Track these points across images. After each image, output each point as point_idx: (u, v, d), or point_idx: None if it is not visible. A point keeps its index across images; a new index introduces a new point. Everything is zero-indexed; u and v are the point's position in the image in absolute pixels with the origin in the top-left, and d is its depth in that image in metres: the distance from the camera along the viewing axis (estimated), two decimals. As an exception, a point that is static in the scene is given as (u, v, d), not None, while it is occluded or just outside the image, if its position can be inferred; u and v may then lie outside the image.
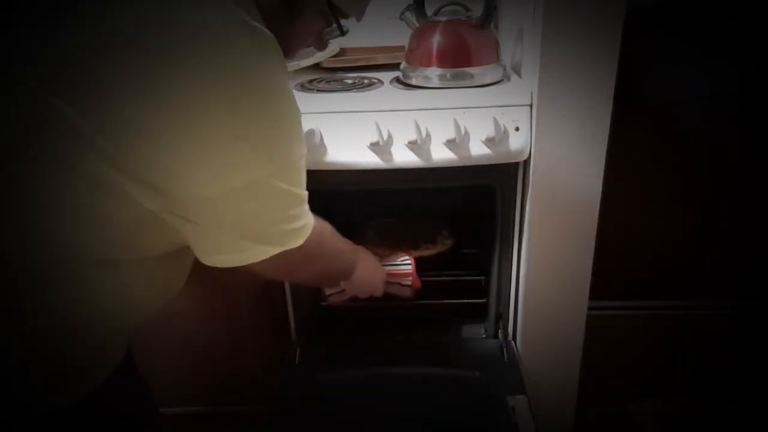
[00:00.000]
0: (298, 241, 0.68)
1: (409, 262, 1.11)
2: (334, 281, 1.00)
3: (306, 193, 0.69)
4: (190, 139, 0.53)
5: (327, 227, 0.84)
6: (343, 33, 0.79)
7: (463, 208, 1.47)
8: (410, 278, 1.10)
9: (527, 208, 1.11)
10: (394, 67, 1.23)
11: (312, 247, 0.73)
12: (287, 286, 1.23)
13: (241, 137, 0.55)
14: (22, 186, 0.53)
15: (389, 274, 1.08)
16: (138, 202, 0.55)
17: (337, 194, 1.35)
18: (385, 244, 1.36)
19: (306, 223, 0.70)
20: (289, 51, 0.72)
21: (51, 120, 0.51)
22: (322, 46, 0.83)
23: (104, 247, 0.59)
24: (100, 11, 0.52)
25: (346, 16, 0.79)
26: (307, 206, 0.70)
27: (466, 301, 1.29)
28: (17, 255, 0.56)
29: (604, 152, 1.04)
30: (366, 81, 1.19)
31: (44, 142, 0.52)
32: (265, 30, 0.58)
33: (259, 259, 0.65)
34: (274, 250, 0.66)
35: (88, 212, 0.55)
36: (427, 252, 1.35)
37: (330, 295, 1.05)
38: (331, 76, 1.26)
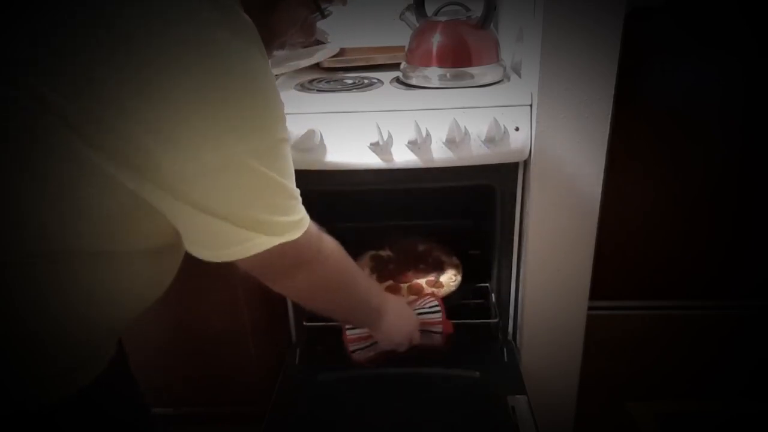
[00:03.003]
0: (293, 234, 0.65)
1: (438, 307, 1.02)
2: (360, 319, 0.91)
3: (295, 188, 0.68)
4: (164, 115, 0.53)
5: (344, 252, 0.80)
6: (324, 16, 0.77)
7: (463, 208, 1.47)
8: (440, 326, 1.01)
9: (527, 208, 1.11)
10: (394, 67, 1.23)
11: (328, 267, 0.73)
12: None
13: (214, 112, 0.54)
14: (2, 174, 0.53)
15: (420, 323, 0.98)
16: (121, 185, 0.55)
17: (337, 194, 1.36)
18: (389, 280, 1.28)
19: (301, 218, 0.67)
20: (274, 39, 0.72)
21: (29, 102, 0.50)
22: (310, 34, 0.80)
23: (90, 238, 0.59)
24: None
25: (330, 1, 0.77)
26: (299, 203, 0.68)
27: (466, 301, 1.29)
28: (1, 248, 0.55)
29: (604, 152, 1.04)
30: (366, 81, 1.19)
31: (23, 125, 0.51)
32: (242, 13, 0.57)
33: (250, 253, 0.63)
34: (265, 241, 0.63)
35: (72, 199, 0.55)
36: (449, 286, 1.24)
37: (354, 351, 0.97)
38: (331, 76, 1.26)
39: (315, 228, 0.72)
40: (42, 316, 0.60)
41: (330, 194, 1.34)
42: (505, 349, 1.20)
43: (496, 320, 1.21)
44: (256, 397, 1.19)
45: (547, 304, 1.18)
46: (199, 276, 1.11)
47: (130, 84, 0.51)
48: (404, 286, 1.24)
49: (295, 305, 1.26)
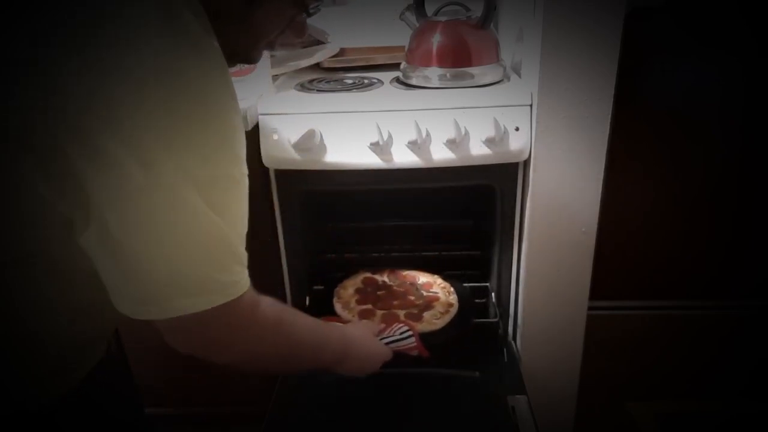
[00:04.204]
0: (222, 297, 0.56)
1: (409, 332, 0.99)
2: (318, 367, 0.84)
3: (241, 242, 0.59)
4: (106, 131, 0.48)
5: (290, 310, 0.73)
6: (309, 14, 0.73)
7: (463, 208, 1.47)
8: (415, 350, 0.98)
9: (527, 208, 1.11)
10: (394, 67, 1.23)
11: (267, 336, 0.65)
12: (287, 285, 1.23)
13: (149, 120, 0.48)
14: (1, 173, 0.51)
15: (394, 350, 0.96)
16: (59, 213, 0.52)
17: (337, 194, 1.36)
18: (368, 304, 1.21)
19: (238, 281, 0.58)
20: (260, 39, 0.68)
21: None
22: (301, 32, 0.74)
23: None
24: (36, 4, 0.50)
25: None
26: (240, 262, 0.59)
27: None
28: None
29: (604, 152, 1.04)
30: (366, 81, 1.19)
31: None
32: (202, 33, 0.53)
33: (167, 315, 0.54)
34: (186, 304, 0.54)
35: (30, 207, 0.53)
36: (430, 323, 1.14)
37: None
38: (331, 76, 1.26)
39: (252, 291, 0.62)
40: (42, 315, 0.60)
41: (330, 194, 1.35)
42: (505, 349, 1.20)
43: (496, 320, 1.21)
44: (256, 397, 1.19)
45: (547, 304, 1.18)
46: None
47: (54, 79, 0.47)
48: (378, 312, 1.17)
49: (296, 305, 1.26)
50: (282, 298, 1.24)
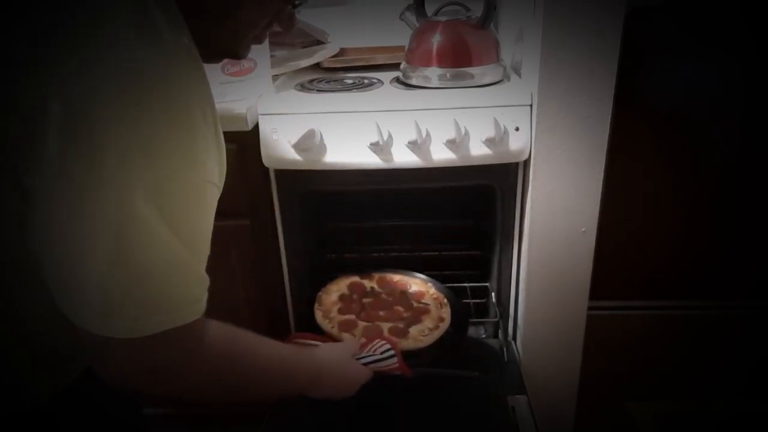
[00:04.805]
0: (170, 321, 0.51)
1: (391, 351, 0.92)
2: (286, 394, 0.79)
3: (199, 260, 0.55)
4: (65, 136, 0.46)
5: (251, 338, 0.68)
6: (295, 6, 0.70)
7: (463, 208, 1.47)
8: (398, 371, 0.92)
9: (527, 208, 1.11)
10: (394, 67, 1.23)
11: (212, 364, 0.59)
12: (287, 285, 1.23)
13: (104, 122, 0.46)
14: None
15: (374, 371, 0.90)
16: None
17: (337, 194, 1.36)
18: (351, 314, 1.13)
19: (193, 305, 0.54)
20: (247, 32, 0.66)
21: None
22: (289, 25, 0.71)
23: None
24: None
25: None
26: (198, 282, 0.55)
27: (466, 301, 1.29)
28: None
29: (604, 152, 1.04)
30: (366, 81, 1.19)
31: None
32: (175, 35, 0.52)
33: (102, 333, 0.50)
34: (126, 325, 0.50)
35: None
36: (417, 341, 1.05)
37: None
38: (331, 76, 1.26)
39: (203, 319, 0.57)
40: (41, 315, 0.59)
41: (330, 194, 1.35)
42: (505, 349, 1.20)
43: (496, 320, 1.21)
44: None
45: (547, 304, 1.17)
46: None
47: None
48: (360, 325, 1.09)
49: (297, 304, 1.26)
50: (282, 298, 1.24)
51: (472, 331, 1.33)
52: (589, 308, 1.18)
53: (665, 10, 1.51)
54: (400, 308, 1.15)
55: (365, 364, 0.90)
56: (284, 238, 1.18)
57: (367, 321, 1.10)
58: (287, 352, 0.77)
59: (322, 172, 1.07)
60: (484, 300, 1.29)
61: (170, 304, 0.52)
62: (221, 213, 1.18)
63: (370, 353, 0.91)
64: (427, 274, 1.27)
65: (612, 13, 0.94)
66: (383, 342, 0.93)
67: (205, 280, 0.56)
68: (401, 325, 1.09)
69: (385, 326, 1.09)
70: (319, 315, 1.12)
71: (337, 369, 0.85)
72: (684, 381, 1.61)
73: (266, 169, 1.11)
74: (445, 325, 1.09)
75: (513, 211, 1.15)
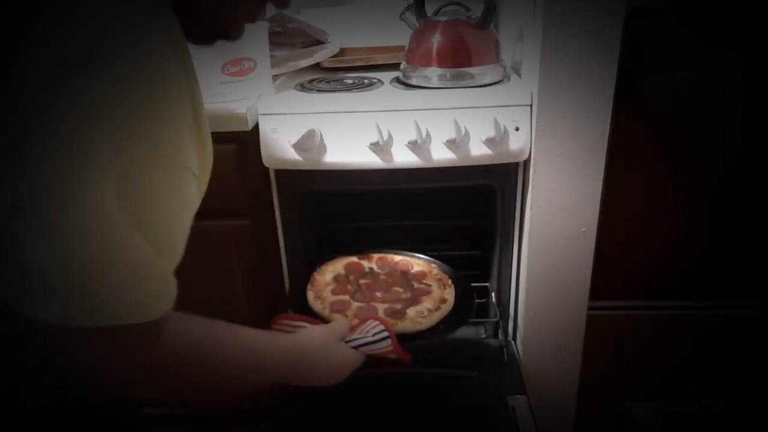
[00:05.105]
0: (128, 316, 0.48)
1: (384, 333, 0.85)
2: (260, 383, 0.73)
3: (168, 260, 0.52)
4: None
5: (220, 326, 0.64)
6: None
7: (463, 208, 1.47)
8: (393, 354, 0.85)
9: (527, 208, 1.11)
10: (394, 67, 1.23)
11: (176, 349, 0.56)
12: (287, 285, 1.23)
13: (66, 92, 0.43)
14: None
15: (366, 355, 0.84)
16: None
17: (337, 194, 1.36)
18: (346, 294, 1.06)
19: (153, 308, 0.50)
20: (238, 9, 0.62)
21: None
22: (284, 4, 0.68)
23: None
24: None
25: None
26: (164, 282, 0.52)
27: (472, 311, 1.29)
28: None
29: (604, 152, 1.04)
30: (366, 81, 1.19)
31: None
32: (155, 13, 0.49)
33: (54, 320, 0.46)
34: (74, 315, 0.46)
35: None
36: (415, 322, 0.97)
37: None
38: (331, 76, 1.26)
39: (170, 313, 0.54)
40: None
41: (330, 194, 1.35)
42: (505, 349, 1.19)
43: (496, 320, 1.21)
44: (256, 397, 1.19)
45: (547, 304, 1.17)
46: (198, 274, 1.11)
47: None
48: (354, 305, 1.03)
49: (295, 305, 1.25)
50: (282, 297, 1.24)
51: (472, 331, 1.33)
52: (589, 308, 1.18)
53: (665, 10, 1.51)
54: (399, 289, 1.08)
55: (356, 347, 0.83)
56: (284, 238, 1.18)
57: (363, 302, 1.03)
58: (262, 340, 0.72)
59: (322, 172, 1.07)
60: (484, 300, 1.29)
61: (129, 301, 0.49)
62: (221, 213, 1.19)
63: (362, 335, 0.84)
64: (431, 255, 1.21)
65: (612, 13, 0.94)
66: (376, 323, 0.86)
67: (171, 280, 0.53)
68: (398, 307, 1.01)
69: (381, 307, 1.02)
70: (311, 296, 1.06)
71: (321, 353, 0.79)
72: (684, 381, 1.61)
73: (266, 169, 1.11)
74: (447, 307, 1.03)
75: (513, 211, 1.15)
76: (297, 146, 1.04)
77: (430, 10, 1.19)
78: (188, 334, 0.60)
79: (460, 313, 1.03)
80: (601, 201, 1.08)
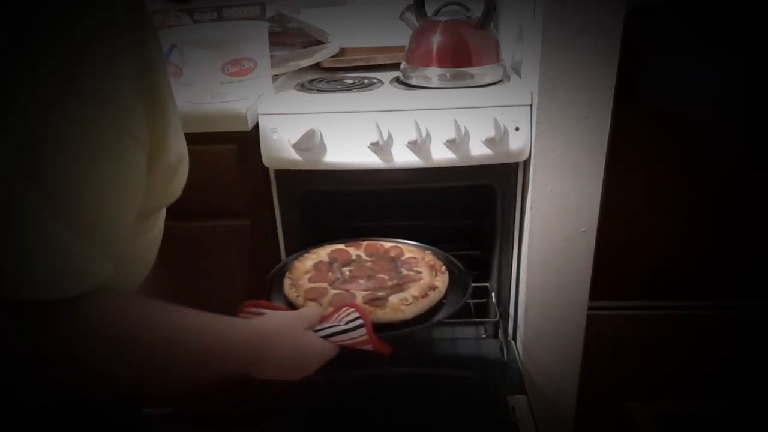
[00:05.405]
0: (30, 291, 0.43)
1: (359, 320, 0.76)
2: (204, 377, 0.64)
3: (88, 238, 0.47)
4: None
5: (166, 311, 0.57)
6: None
7: (463, 208, 1.47)
8: (369, 345, 0.76)
9: (527, 208, 1.11)
10: (394, 67, 1.23)
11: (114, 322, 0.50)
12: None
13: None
14: None
15: (338, 345, 0.76)
16: None
17: (337, 194, 1.36)
18: (324, 282, 0.96)
19: (68, 273, 0.45)
20: None
21: None
22: None
23: None
24: None
25: None
26: (73, 242, 0.46)
27: (466, 301, 1.29)
28: None
29: (604, 152, 1.04)
30: (366, 81, 1.19)
31: None
32: None
33: None
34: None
35: None
36: (397, 311, 0.86)
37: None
38: (331, 76, 1.26)
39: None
40: None
41: (330, 194, 1.35)
42: (505, 349, 1.20)
43: (496, 319, 1.21)
44: (256, 397, 1.19)
45: (547, 304, 1.17)
46: (198, 274, 1.11)
47: None
48: (331, 292, 0.92)
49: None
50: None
51: (472, 331, 1.33)
52: (589, 308, 1.18)
53: (665, 10, 1.51)
54: (385, 276, 0.97)
55: (326, 337, 0.75)
56: (284, 238, 1.18)
57: (342, 290, 0.93)
58: (216, 325, 0.64)
59: (322, 172, 1.07)
60: (484, 300, 1.29)
61: (28, 275, 0.44)
62: (221, 213, 1.19)
63: (334, 324, 0.76)
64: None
65: (612, 13, 0.94)
66: (351, 310, 0.77)
67: (89, 258, 0.47)
68: (382, 293, 0.90)
69: (360, 294, 0.90)
70: (287, 284, 0.96)
71: (284, 342, 0.71)
72: (684, 381, 1.61)
73: (266, 169, 1.11)
74: (436, 295, 0.91)
75: (513, 211, 1.15)
76: (297, 146, 1.04)
77: (430, 10, 1.19)
78: (124, 316, 0.53)
79: (452, 302, 0.92)
80: (601, 201, 1.08)
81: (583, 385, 1.26)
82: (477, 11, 1.13)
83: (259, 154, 1.06)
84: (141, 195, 0.54)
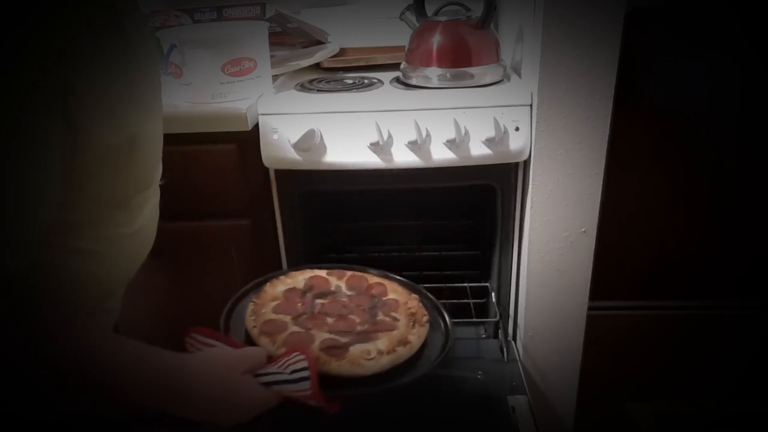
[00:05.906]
0: None
1: (305, 372, 0.67)
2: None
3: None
4: None
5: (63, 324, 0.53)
6: None
7: (463, 208, 1.47)
8: (312, 401, 0.68)
9: (527, 208, 1.11)
10: (394, 67, 1.23)
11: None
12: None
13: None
14: None
15: (281, 394, 0.68)
16: None
17: (337, 194, 1.36)
18: (292, 315, 0.84)
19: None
20: None
21: None
22: None
23: None
24: None
25: None
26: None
27: (466, 301, 1.29)
28: None
29: (604, 152, 1.04)
30: (366, 81, 1.19)
31: None
32: None
33: None
34: None
35: None
36: (357, 365, 0.74)
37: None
38: (331, 76, 1.26)
39: None
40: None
41: (330, 194, 1.35)
42: (505, 349, 1.20)
43: (496, 319, 1.21)
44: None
45: (547, 303, 1.18)
46: (199, 274, 1.11)
47: None
48: (290, 329, 0.79)
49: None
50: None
51: (472, 331, 1.33)
52: (589, 308, 1.18)
53: (665, 10, 1.51)
54: (357, 319, 0.84)
55: (268, 384, 0.67)
56: (284, 238, 1.18)
57: (303, 328, 0.80)
58: (140, 351, 0.58)
59: (322, 172, 1.07)
60: (484, 300, 1.29)
61: None
62: (221, 213, 1.18)
63: (279, 370, 0.68)
64: (427, 284, 0.98)
65: (612, 13, 0.94)
66: (300, 357, 0.68)
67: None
68: (344, 340, 0.77)
69: (320, 336, 0.78)
70: (249, 308, 0.84)
71: (216, 383, 0.63)
72: (684, 381, 1.61)
73: (266, 169, 1.11)
74: (406, 352, 0.77)
75: (513, 211, 1.15)
76: (297, 146, 1.04)
77: (430, 10, 1.19)
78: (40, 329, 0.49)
79: (423, 363, 0.78)
80: (601, 201, 1.08)
81: (583, 385, 1.26)
82: (477, 11, 1.13)
83: (259, 154, 1.06)
84: (59, 181, 0.49)
